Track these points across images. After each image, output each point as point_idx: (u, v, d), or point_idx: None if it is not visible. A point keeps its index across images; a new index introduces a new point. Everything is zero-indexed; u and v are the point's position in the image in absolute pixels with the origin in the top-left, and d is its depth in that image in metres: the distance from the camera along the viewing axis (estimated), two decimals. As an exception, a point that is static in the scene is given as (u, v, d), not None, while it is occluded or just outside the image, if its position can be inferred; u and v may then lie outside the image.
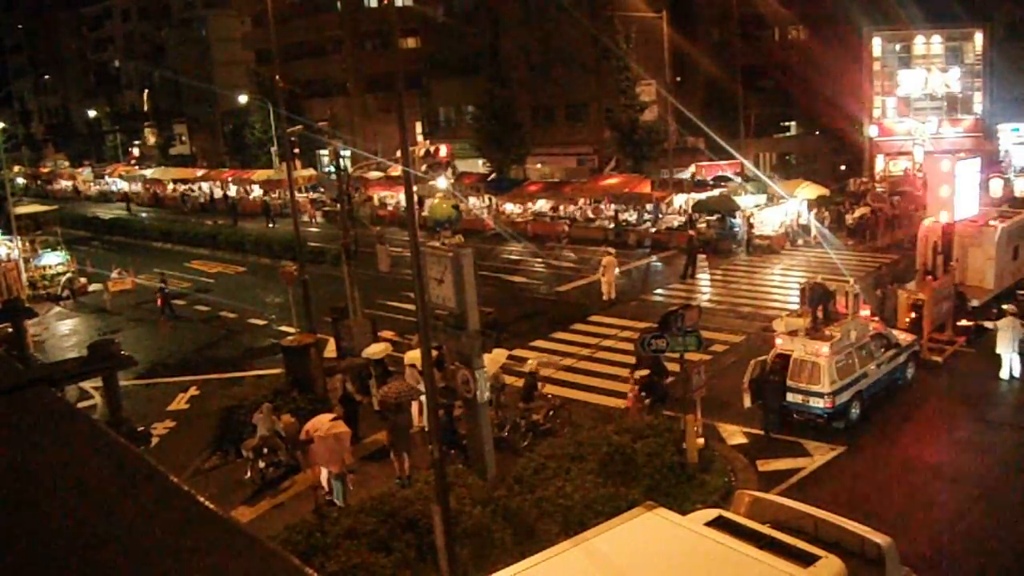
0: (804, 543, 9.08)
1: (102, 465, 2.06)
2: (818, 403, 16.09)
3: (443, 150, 51.35)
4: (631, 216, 38.23)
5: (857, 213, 34.83)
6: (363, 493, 14.12)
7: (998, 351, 18.55)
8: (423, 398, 16.20)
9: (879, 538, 9.69)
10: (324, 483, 14.71)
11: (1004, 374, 18.42)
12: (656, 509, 9.57)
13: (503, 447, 15.53)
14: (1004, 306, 19.70)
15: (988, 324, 19.37)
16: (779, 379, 16.43)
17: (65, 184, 76.35)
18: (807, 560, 8.53)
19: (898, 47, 44.19)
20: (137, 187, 66.53)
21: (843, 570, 8.58)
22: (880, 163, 44.87)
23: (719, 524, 9.51)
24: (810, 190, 35.77)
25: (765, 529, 9.46)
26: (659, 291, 28.69)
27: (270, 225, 47.64)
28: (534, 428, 16.68)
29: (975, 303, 21.58)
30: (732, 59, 46.99)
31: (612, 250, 29.82)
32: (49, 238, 37.03)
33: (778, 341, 17.16)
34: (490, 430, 14.51)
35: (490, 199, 44.22)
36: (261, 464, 15.63)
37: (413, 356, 17.45)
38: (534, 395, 17.20)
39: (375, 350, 18.99)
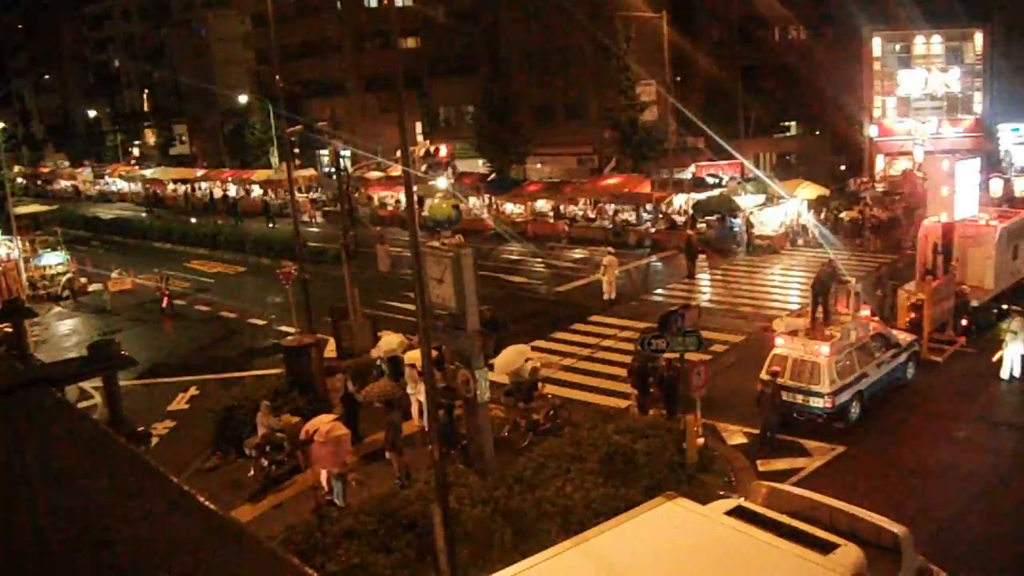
0: (822, 532, 9.23)
1: (102, 465, 2.06)
2: (818, 403, 16.09)
3: (443, 150, 51.48)
4: (630, 216, 38.22)
5: (846, 215, 34.70)
6: (363, 493, 14.13)
7: (1006, 352, 18.51)
8: (422, 398, 16.20)
9: (895, 528, 9.81)
10: (324, 483, 14.72)
11: (1004, 374, 18.40)
12: (676, 499, 9.72)
13: (503, 447, 15.53)
14: (1014, 307, 19.64)
15: (1005, 349, 19.00)
16: (773, 392, 16.20)
17: (65, 184, 76.30)
18: (826, 548, 8.69)
19: (898, 47, 44.17)
20: (136, 187, 66.53)
21: (861, 557, 8.70)
22: (880, 163, 44.87)
23: (738, 513, 9.66)
24: (810, 190, 35.76)
25: (784, 518, 9.59)
26: (659, 291, 28.69)
27: (270, 225, 47.63)
28: (534, 428, 16.69)
29: (975, 303, 21.57)
30: (732, 59, 46.99)
31: (613, 250, 29.83)
32: (49, 238, 37.01)
33: (778, 341, 17.16)
34: (490, 430, 14.50)
35: (490, 199, 44.21)
36: (264, 462, 15.65)
37: (413, 356, 17.43)
38: (534, 395, 17.21)
39: (390, 346, 18.95)
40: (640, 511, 9.60)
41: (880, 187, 40.05)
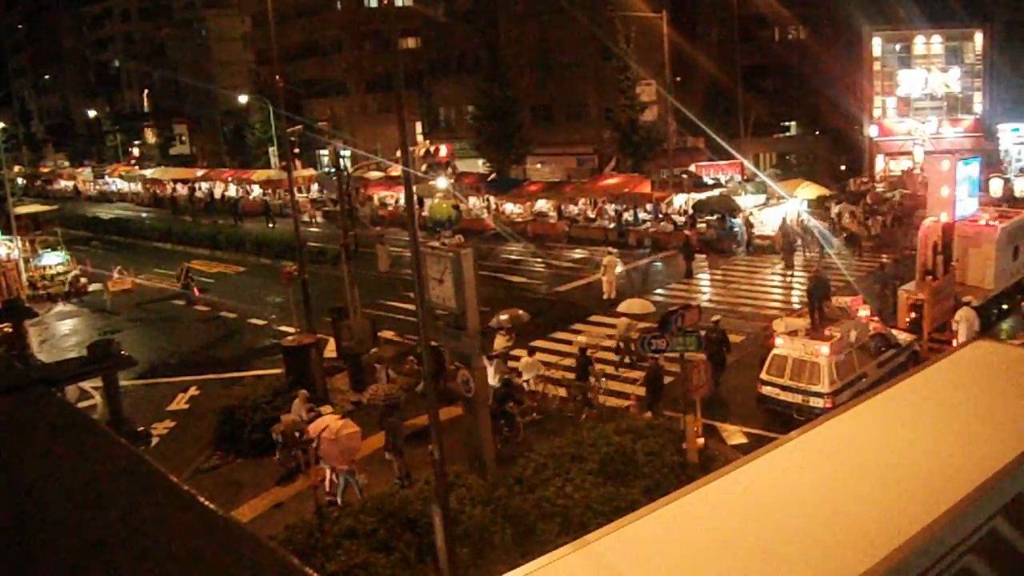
0: None
1: (102, 465, 2.06)
2: (818, 403, 16.07)
3: (443, 150, 51.28)
4: (630, 216, 38.23)
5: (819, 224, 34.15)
6: (362, 493, 14.15)
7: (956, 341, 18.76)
8: (491, 380, 17.16)
9: None
10: (327, 482, 14.74)
11: None
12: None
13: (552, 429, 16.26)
14: (963, 299, 19.91)
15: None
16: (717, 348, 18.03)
17: (65, 184, 76.32)
18: None
19: (898, 47, 44.19)
20: (136, 187, 66.53)
21: None
22: (880, 163, 44.88)
23: None
24: (810, 190, 35.70)
25: None
26: (659, 291, 28.67)
27: (270, 225, 47.63)
28: (588, 403, 17.55)
29: (975, 303, 21.55)
30: (732, 59, 47.01)
31: (613, 250, 29.82)
32: (49, 238, 37.02)
33: (778, 341, 17.16)
34: (490, 430, 14.49)
35: (490, 199, 44.22)
36: (289, 450, 15.70)
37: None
38: (589, 371, 18.12)
39: None
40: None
41: (880, 186, 39.92)
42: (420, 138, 57.03)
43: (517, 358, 19.33)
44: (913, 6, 41.37)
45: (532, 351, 19.21)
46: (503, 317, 20.97)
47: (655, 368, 17.23)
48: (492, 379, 17.54)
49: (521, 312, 21.69)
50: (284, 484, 15.41)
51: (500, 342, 19.65)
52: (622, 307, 21.80)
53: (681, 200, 37.14)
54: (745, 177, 41.41)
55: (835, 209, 35.02)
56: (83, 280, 34.29)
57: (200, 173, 63.72)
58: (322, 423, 14.63)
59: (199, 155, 79.46)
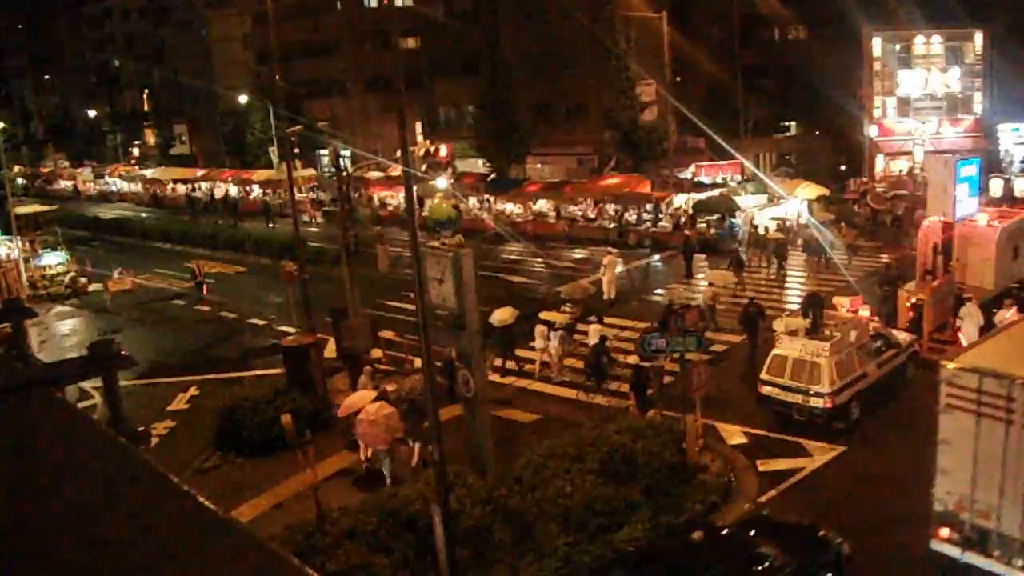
0: None
1: (102, 465, 2.06)
2: (818, 403, 16.08)
3: (443, 150, 51.46)
4: (631, 216, 38.24)
5: (774, 235, 33.63)
6: (365, 492, 14.21)
7: (962, 338, 18.80)
8: (552, 351, 19.48)
9: None
10: (365, 455, 15.35)
11: None
12: None
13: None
14: (965, 295, 19.93)
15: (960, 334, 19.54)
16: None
17: (65, 184, 76.28)
18: None
19: (898, 47, 44.19)
20: (136, 187, 66.52)
21: None
22: (880, 163, 44.90)
23: None
24: (810, 190, 35.70)
25: None
26: (659, 291, 28.66)
27: (270, 225, 47.61)
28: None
29: (976, 302, 21.55)
30: (732, 59, 47.01)
31: (613, 250, 29.80)
32: (49, 238, 37.03)
33: (778, 341, 17.17)
34: (490, 430, 14.49)
35: (489, 199, 44.21)
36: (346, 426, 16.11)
37: (547, 314, 20.98)
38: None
39: (503, 316, 20.64)
40: None
41: (880, 186, 39.88)
42: (420, 138, 57.06)
43: (584, 332, 20.75)
44: (913, 6, 41.36)
45: (600, 319, 21.01)
46: (576, 292, 22.39)
47: (640, 371, 17.13)
48: (555, 351, 19.82)
49: (587, 284, 23.42)
50: (353, 449, 16.17)
51: (563, 316, 20.96)
52: (709, 277, 23.47)
53: (681, 200, 37.14)
54: (745, 177, 41.40)
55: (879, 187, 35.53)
56: (82, 280, 34.29)
57: (200, 173, 63.68)
58: (354, 401, 15.00)
59: (199, 155, 79.38)
